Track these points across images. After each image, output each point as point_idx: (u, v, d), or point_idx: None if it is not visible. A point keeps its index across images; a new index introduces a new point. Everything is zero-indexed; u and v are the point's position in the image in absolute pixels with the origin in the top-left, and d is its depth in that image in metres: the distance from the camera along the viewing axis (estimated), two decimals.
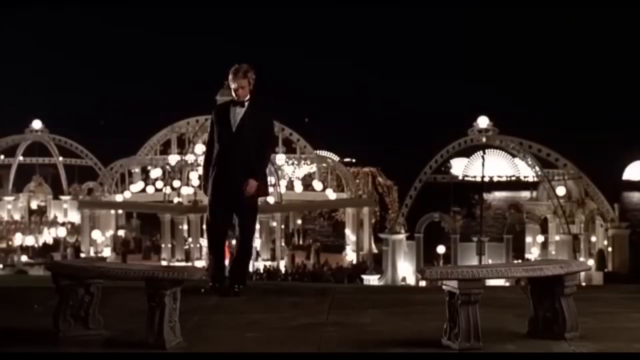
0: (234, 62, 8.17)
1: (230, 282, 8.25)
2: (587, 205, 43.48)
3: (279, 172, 46.15)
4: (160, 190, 45.36)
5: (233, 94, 8.11)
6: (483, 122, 43.66)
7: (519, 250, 42.50)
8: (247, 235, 8.30)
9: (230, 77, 8.06)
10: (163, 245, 43.65)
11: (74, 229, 49.60)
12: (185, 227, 43.46)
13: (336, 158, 61.69)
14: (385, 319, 7.19)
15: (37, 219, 52.25)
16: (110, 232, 46.93)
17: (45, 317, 6.68)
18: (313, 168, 50.65)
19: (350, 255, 46.16)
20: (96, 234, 44.93)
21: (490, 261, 35.92)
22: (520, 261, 34.82)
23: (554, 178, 44.31)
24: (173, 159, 46.05)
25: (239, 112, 8.08)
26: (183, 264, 39.14)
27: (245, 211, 8.21)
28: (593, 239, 42.92)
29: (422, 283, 20.81)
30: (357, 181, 49.01)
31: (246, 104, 8.08)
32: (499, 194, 77.50)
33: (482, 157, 43.29)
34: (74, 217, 50.96)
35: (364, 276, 39.62)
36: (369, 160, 54.98)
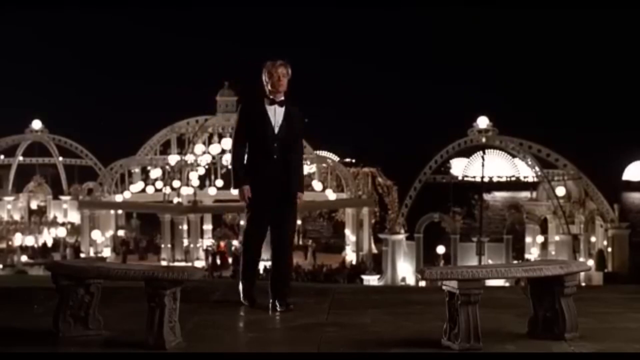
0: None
1: (273, 298, 7.53)
2: (587, 205, 43.48)
3: None
4: (160, 190, 45.37)
5: (270, 86, 7.50)
6: (483, 122, 43.66)
7: (518, 250, 42.52)
8: (289, 245, 7.73)
9: (268, 67, 7.47)
10: (163, 246, 43.68)
11: (74, 229, 49.61)
12: (185, 227, 43.47)
13: (336, 158, 61.68)
14: (385, 319, 7.19)
15: (37, 219, 52.25)
16: (110, 232, 46.94)
17: (45, 317, 6.69)
18: (313, 168, 50.63)
19: (350, 256, 46.16)
20: (96, 234, 44.95)
21: (490, 261, 35.93)
22: (520, 261, 34.83)
23: (554, 178, 44.31)
24: (173, 159, 46.05)
25: (279, 112, 7.53)
26: (183, 264, 39.15)
27: (288, 218, 7.65)
28: (593, 239, 42.91)
29: (422, 283, 20.80)
30: (357, 181, 49.00)
31: (283, 103, 7.55)
32: (499, 194, 77.50)
33: (482, 157, 43.29)
34: (74, 217, 50.96)
35: (363, 276, 39.63)
36: (369, 160, 54.95)
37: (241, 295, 7.72)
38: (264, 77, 7.53)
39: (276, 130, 7.51)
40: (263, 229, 7.62)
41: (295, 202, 7.64)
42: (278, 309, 7.43)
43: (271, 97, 7.53)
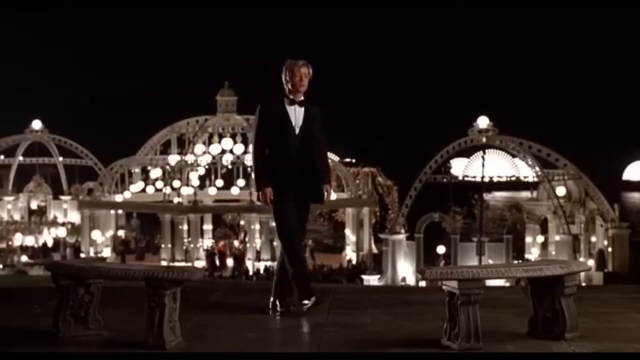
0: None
1: (285, 297, 7.50)
2: (587, 205, 43.48)
3: None
4: (160, 190, 45.38)
5: (291, 86, 7.40)
6: (483, 122, 43.67)
7: (519, 250, 42.51)
8: (302, 243, 7.83)
9: (290, 66, 7.36)
10: (163, 246, 43.70)
11: (74, 229, 49.62)
12: (185, 227, 43.48)
13: (336, 158, 61.68)
14: (385, 319, 7.19)
15: (37, 219, 52.25)
16: (110, 232, 46.95)
17: (45, 317, 6.69)
18: None
19: (350, 256, 46.17)
20: (96, 234, 44.96)
21: (490, 261, 35.93)
22: (520, 261, 34.83)
23: (554, 178, 44.31)
24: (173, 159, 46.06)
25: (299, 112, 7.43)
26: (183, 264, 39.16)
27: (304, 220, 7.66)
28: (593, 239, 42.91)
29: (422, 283, 20.81)
30: (357, 181, 49.00)
31: (303, 103, 7.45)
32: (499, 194, 77.50)
33: (482, 157, 43.29)
34: (74, 217, 50.96)
35: (364, 276, 39.63)
36: (369, 160, 54.92)
37: (274, 298, 7.53)
38: (285, 76, 7.41)
39: (297, 130, 7.41)
40: (297, 225, 7.50)
41: (309, 207, 7.62)
42: (288, 309, 7.41)
43: (291, 96, 7.43)
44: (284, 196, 7.40)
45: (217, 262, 43.33)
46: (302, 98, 7.46)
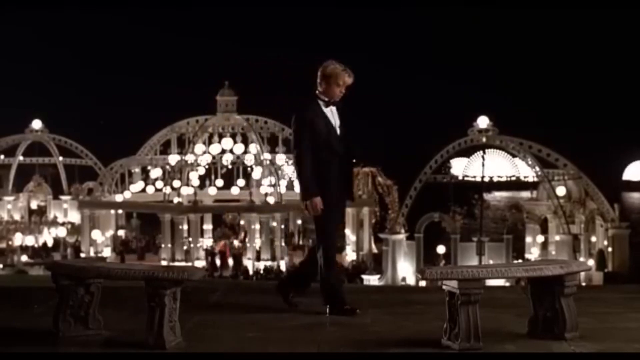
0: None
1: (290, 292, 7.60)
2: (588, 205, 43.49)
3: (279, 172, 46.17)
4: (160, 190, 45.38)
5: (337, 90, 7.26)
6: (483, 122, 43.69)
7: (519, 250, 42.51)
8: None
9: (339, 74, 7.21)
10: (163, 245, 43.71)
11: (74, 229, 49.62)
12: (185, 227, 43.49)
13: None
14: (385, 319, 7.19)
15: (37, 219, 52.26)
16: (110, 232, 46.95)
17: (45, 317, 6.69)
18: None
19: (350, 255, 46.17)
20: (96, 234, 44.96)
21: (490, 261, 35.93)
22: (520, 261, 34.83)
23: (554, 178, 44.32)
24: (173, 159, 46.06)
25: (334, 113, 7.34)
26: (183, 263, 39.17)
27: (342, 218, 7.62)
28: (593, 239, 42.92)
29: (422, 283, 20.78)
30: (357, 181, 49.00)
31: (335, 102, 7.36)
32: (499, 194, 77.50)
33: (482, 157, 43.30)
34: (74, 217, 50.96)
35: (364, 276, 39.62)
36: (369, 160, 54.90)
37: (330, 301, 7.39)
38: (326, 79, 7.23)
39: (338, 131, 7.31)
40: (336, 228, 7.44)
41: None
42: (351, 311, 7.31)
43: (325, 98, 7.30)
44: (332, 204, 7.23)
45: (218, 262, 43.34)
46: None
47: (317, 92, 7.29)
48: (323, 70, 7.24)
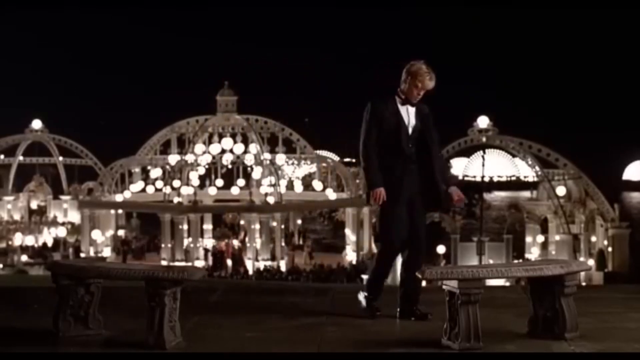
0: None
1: (410, 305, 7.17)
2: (588, 205, 43.51)
3: (279, 172, 46.18)
4: (160, 190, 45.40)
5: (415, 91, 7.05)
6: (483, 122, 43.71)
7: (519, 250, 42.52)
8: (423, 250, 7.30)
9: (424, 76, 7.01)
10: (163, 245, 43.72)
11: (74, 229, 49.64)
12: (185, 227, 43.49)
13: (336, 158, 61.73)
14: (385, 319, 7.19)
15: (37, 219, 52.28)
16: (110, 232, 46.96)
17: (45, 317, 6.68)
18: (313, 168, 50.64)
19: (350, 255, 46.19)
20: (96, 234, 44.97)
21: (490, 261, 35.94)
22: (520, 261, 34.84)
23: (554, 178, 44.35)
24: (173, 159, 46.08)
25: (411, 112, 7.12)
26: (183, 263, 39.18)
27: (421, 223, 7.26)
28: (593, 238, 42.94)
29: (422, 283, 20.73)
30: (357, 181, 49.04)
31: (415, 103, 7.14)
32: (499, 194, 77.52)
33: (482, 157, 43.33)
34: (74, 217, 50.99)
35: (364, 276, 39.63)
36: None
37: (363, 304, 7.28)
38: (408, 77, 7.06)
39: (410, 130, 7.12)
40: (403, 236, 7.09)
41: (425, 213, 7.29)
42: (413, 318, 7.08)
43: (404, 96, 7.13)
44: (395, 201, 7.03)
45: (218, 262, 43.37)
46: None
47: (399, 88, 7.17)
48: (408, 67, 7.10)
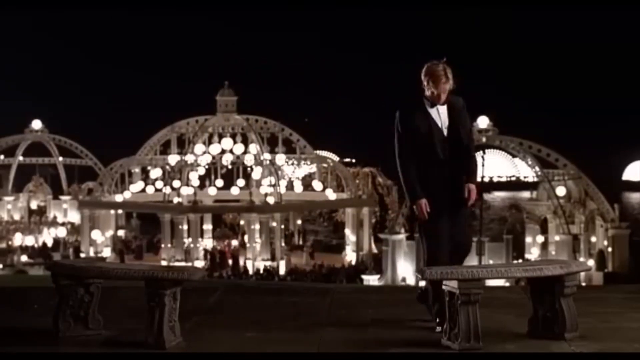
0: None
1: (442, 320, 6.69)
2: (587, 205, 43.50)
3: (279, 172, 46.18)
4: (160, 190, 45.39)
5: (429, 92, 6.73)
6: (483, 122, 43.70)
7: (519, 250, 42.51)
8: (467, 252, 6.98)
9: (432, 76, 6.68)
10: (163, 245, 43.71)
11: (74, 229, 49.64)
12: (185, 227, 43.48)
13: (336, 158, 61.72)
14: (386, 319, 7.19)
15: (37, 219, 52.28)
16: (110, 232, 46.96)
17: (45, 317, 6.68)
18: (313, 168, 50.65)
19: (350, 255, 46.18)
20: (96, 234, 44.96)
21: (490, 261, 35.94)
22: (520, 261, 34.85)
23: (554, 178, 44.34)
24: (173, 159, 46.07)
25: (442, 112, 6.77)
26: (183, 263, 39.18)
27: (463, 227, 6.96)
28: (593, 239, 42.93)
29: (422, 283, 20.70)
30: (357, 181, 49.04)
31: (445, 101, 6.77)
32: (499, 194, 77.52)
33: (482, 157, 43.32)
34: (74, 217, 51.00)
35: (364, 276, 39.64)
36: (369, 160, 54.92)
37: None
38: (426, 81, 6.73)
39: (445, 132, 6.78)
40: (446, 244, 6.76)
41: (467, 209, 6.92)
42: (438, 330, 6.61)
43: (428, 99, 6.79)
44: (436, 211, 6.73)
45: (219, 262, 43.38)
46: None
47: (423, 93, 6.83)
48: (424, 69, 6.79)
